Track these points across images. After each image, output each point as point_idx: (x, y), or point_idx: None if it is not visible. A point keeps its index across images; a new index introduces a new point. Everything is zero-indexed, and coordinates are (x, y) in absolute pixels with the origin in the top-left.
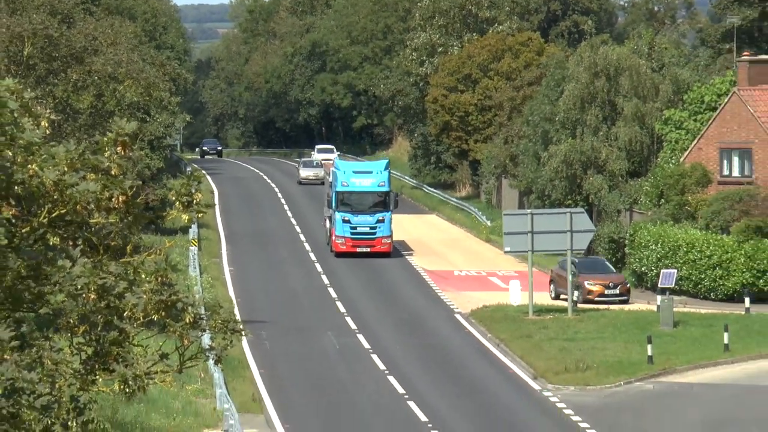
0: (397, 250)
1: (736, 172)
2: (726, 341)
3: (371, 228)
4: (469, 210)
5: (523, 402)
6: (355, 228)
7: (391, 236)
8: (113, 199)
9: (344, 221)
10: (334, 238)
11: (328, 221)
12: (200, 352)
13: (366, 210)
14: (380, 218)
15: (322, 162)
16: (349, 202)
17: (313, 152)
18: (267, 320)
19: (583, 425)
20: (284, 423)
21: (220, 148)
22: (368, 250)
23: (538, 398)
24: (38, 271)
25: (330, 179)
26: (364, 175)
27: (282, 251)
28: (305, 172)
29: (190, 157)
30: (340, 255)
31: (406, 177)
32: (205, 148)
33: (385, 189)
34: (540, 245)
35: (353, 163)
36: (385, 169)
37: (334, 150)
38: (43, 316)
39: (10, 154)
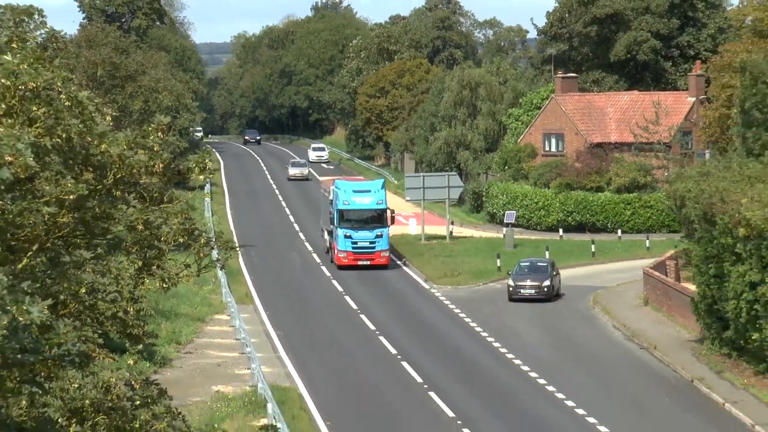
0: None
1: (553, 149)
2: (547, 256)
3: (371, 243)
4: (383, 174)
5: (419, 296)
6: (356, 243)
7: (388, 249)
8: (155, 166)
9: (346, 237)
10: (336, 252)
11: (326, 234)
12: (211, 263)
13: (365, 226)
14: (378, 233)
15: (315, 160)
16: (349, 218)
17: (308, 149)
18: (255, 245)
19: (456, 310)
20: (266, 310)
21: (258, 138)
22: (368, 263)
23: (428, 294)
24: (107, 212)
25: (330, 197)
26: (363, 194)
27: (264, 203)
28: (293, 171)
29: (212, 140)
30: (342, 268)
31: (343, 152)
32: (247, 137)
33: (383, 207)
34: (429, 196)
35: (352, 182)
36: (382, 188)
37: (325, 148)
38: (110, 241)
39: (89, 138)
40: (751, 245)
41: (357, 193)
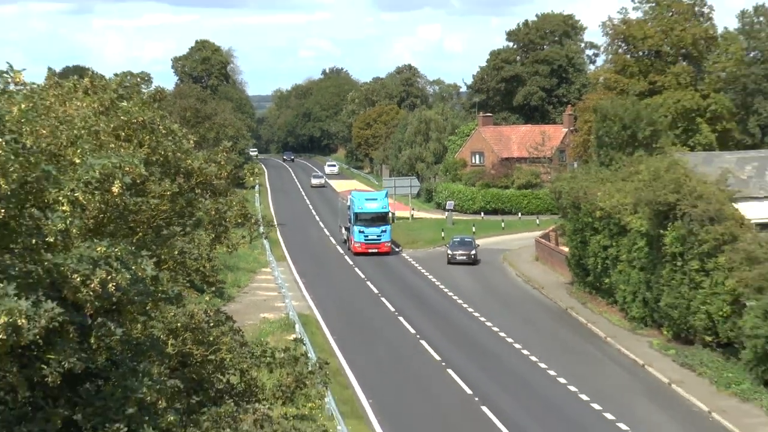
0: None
1: (477, 162)
2: (474, 230)
3: (377, 236)
4: (368, 178)
5: (395, 256)
6: (367, 236)
7: (390, 240)
8: (221, 174)
9: (360, 231)
10: (353, 243)
11: (344, 230)
12: (259, 234)
13: (374, 224)
14: (383, 229)
15: (329, 173)
16: (363, 219)
17: (325, 165)
18: (287, 224)
19: (416, 265)
20: (295, 264)
21: (293, 157)
22: (377, 250)
23: (400, 255)
24: (191, 203)
25: (348, 203)
26: (372, 201)
27: (293, 194)
28: (314, 181)
29: (261, 157)
30: (357, 254)
31: (344, 164)
32: (285, 157)
33: (386, 210)
34: (398, 192)
35: (365, 193)
36: (385, 197)
37: (336, 164)
38: (194, 222)
39: (179, 155)
40: (603, 222)
41: (368, 200)
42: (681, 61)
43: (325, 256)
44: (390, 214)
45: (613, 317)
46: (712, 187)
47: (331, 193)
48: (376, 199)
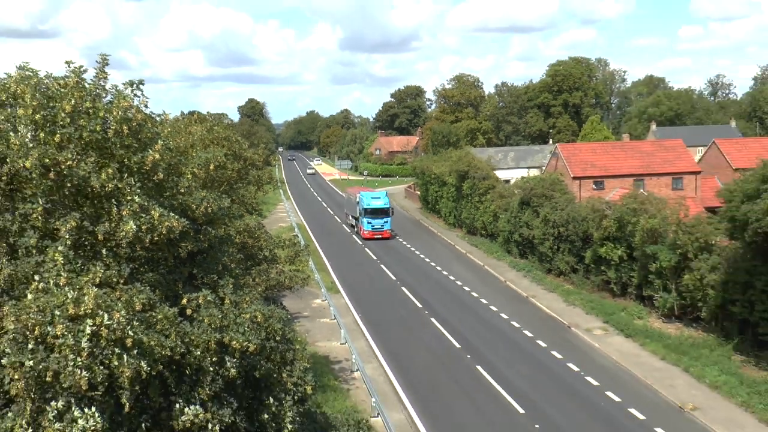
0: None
1: (378, 153)
2: (376, 184)
3: (381, 225)
4: (330, 161)
5: (352, 238)
6: (374, 226)
7: (390, 229)
8: (261, 158)
9: (368, 222)
10: (363, 230)
11: (351, 217)
12: (278, 187)
13: (378, 216)
14: (385, 220)
15: (315, 165)
16: (370, 213)
17: (313, 161)
18: (301, 203)
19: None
20: (296, 201)
21: (293, 157)
22: (380, 236)
23: (359, 238)
24: (247, 173)
25: (357, 200)
26: (376, 199)
27: (300, 182)
28: (308, 171)
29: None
30: (366, 239)
31: (317, 155)
32: (289, 157)
33: (387, 206)
34: (341, 167)
35: (369, 192)
36: (386, 195)
37: (320, 160)
38: (246, 181)
39: (241, 150)
40: (435, 180)
41: (373, 199)
42: (469, 106)
43: (307, 193)
44: (390, 209)
45: (440, 223)
46: (483, 163)
47: (320, 179)
48: (379, 198)
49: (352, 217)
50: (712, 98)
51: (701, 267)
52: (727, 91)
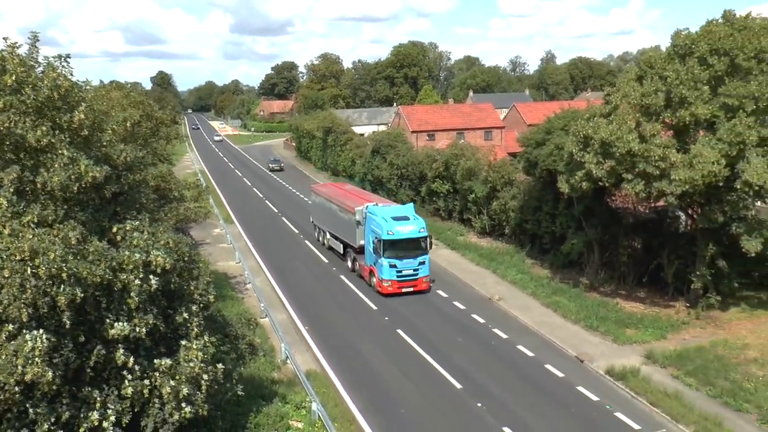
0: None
1: (262, 114)
2: (261, 138)
3: (414, 270)
4: (222, 120)
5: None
6: (400, 271)
7: (429, 275)
8: (169, 118)
9: (391, 266)
10: (380, 281)
11: (338, 244)
12: (183, 140)
13: (408, 253)
14: (422, 261)
15: (219, 129)
16: (394, 248)
17: (217, 126)
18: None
19: (246, 155)
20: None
21: (197, 127)
22: (412, 289)
23: (228, 146)
24: (159, 129)
25: (357, 219)
26: (404, 222)
27: (203, 140)
28: (216, 138)
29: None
30: (387, 296)
31: (216, 116)
32: (193, 127)
33: (426, 234)
34: (232, 124)
35: (386, 208)
36: (414, 211)
37: (224, 124)
38: (158, 136)
39: (154, 112)
40: (306, 134)
41: (398, 221)
42: (332, 78)
43: (210, 148)
44: (429, 238)
45: (311, 168)
46: (343, 121)
47: (228, 144)
48: (407, 218)
49: (345, 247)
50: (513, 73)
51: (505, 196)
52: (522, 68)
